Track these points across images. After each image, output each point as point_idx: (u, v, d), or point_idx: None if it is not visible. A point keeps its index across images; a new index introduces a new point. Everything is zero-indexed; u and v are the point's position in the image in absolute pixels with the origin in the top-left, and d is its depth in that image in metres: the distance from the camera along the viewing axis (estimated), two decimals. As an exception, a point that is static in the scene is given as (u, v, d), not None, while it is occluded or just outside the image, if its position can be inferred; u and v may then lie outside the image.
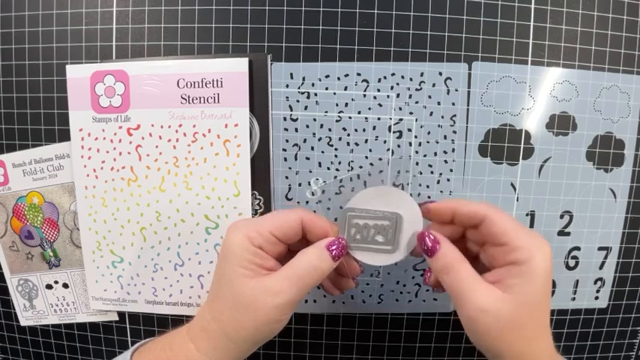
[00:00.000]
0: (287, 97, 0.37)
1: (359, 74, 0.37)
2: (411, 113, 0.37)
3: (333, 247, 0.29)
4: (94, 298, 0.40)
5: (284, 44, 0.36)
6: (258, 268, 0.29)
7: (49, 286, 0.41)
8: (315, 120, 0.37)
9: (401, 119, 0.37)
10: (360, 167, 0.38)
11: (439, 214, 0.31)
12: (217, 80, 0.36)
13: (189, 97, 0.36)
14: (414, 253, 0.31)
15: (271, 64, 0.36)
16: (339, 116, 0.37)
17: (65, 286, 0.41)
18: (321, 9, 0.36)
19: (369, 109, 0.37)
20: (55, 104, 0.38)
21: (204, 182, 0.37)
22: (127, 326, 0.41)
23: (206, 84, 0.36)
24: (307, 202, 0.38)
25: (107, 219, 0.38)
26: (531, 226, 0.39)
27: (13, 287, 0.42)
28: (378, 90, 0.37)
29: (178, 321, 0.40)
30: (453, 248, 0.29)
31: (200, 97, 0.36)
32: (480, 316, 0.27)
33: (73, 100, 0.37)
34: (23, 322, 0.42)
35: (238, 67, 0.36)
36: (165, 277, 0.39)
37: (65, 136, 0.38)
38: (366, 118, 0.37)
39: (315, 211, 0.38)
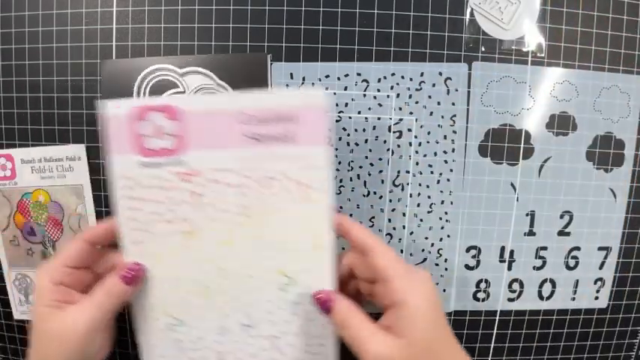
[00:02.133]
0: (287, 98, 0.38)
1: (359, 74, 0.37)
2: (411, 113, 0.38)
3: (123, 272, 0.33)
4: None
5: (284, 44, 0.37)
6: (60, 304, 0.31)
7: None
8: (315, 120, 0.38)
9: (401, 119, 0.38)
10: (360, 167, 0.39)
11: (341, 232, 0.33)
12: (291, 116, 0.31)
13: (258, 135, 0.32)
14: None
15: (271, 63, 0.37)
16: (338, 116, 0.38)
17: None
18: (321, 9, 0.37)
19: (369, 109, 0.38)
20: (55, 104, 0.39)
21: (279, 232, 0.33)
22: (127, 326, 0.42)
23: (278, 121, 0.31)
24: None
25: (162, 278, 0.34)
26: (531, 225, 0.40)
27: (9, 280, 0.43)
28: (378, 90, 0.38)
29: None
30: (347, 303, 0.31)
31: (271, 136, 0.31)
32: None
33: (114, 143, 0.32)
34: (17, 316, 0.43)
35: (314, 100, 0.31)
36: (234, 340, 0.35)
37: (66, 136, 0.39)
38: (366, 118, 0.38)
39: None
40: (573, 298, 0.41)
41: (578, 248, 0.40)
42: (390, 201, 0.39)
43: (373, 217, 0.39)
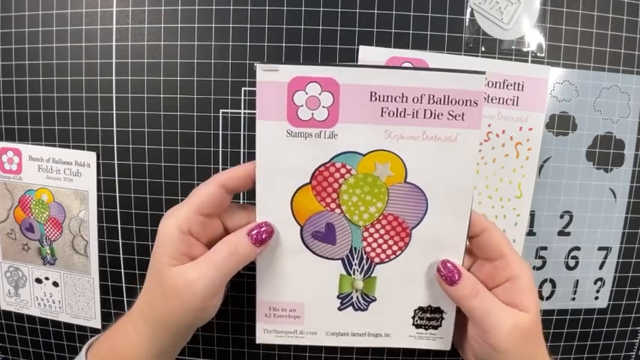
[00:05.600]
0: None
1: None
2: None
3: (254, 232, 0.31)
4: None
5: (284, 44, 0.39)
6: (182, 257, 0.30)
7: (38, 280, 0.44)
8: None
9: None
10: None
11: None
12: (519, 83, 0.38)
13: (488, 96, 0.38)
14: None
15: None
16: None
17: (55, 284, 0.44)
18: (321, 9, 0.38)
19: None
20: (55, 104, 0.40)
21: (488, 182, 0.39)
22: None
23: (507, 86, 0.38)
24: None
25: None
26: (531, 225, 0.41)
27: (1, 272, 0.44)
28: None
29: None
30: (471, 275, 0.33)
31: (500, 98, 0.38)
32: (513, 333, 0.30)
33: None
34: (4, 307, 0.45)
35: (540, 73, 0.39)
36: None
37: (65, 136, 0.41)
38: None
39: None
40: (573, 298, 0.43)
41: (578, 248, 0.42)
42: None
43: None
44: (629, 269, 0.43)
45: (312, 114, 0.31)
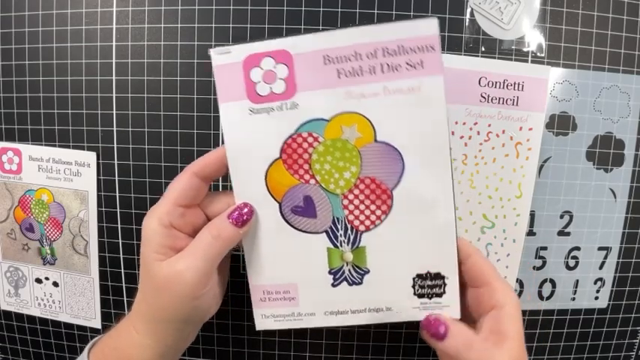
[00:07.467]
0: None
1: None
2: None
3: (235, 214, 0.32)
4: None
5: (284, 44, 0.39)
6: (168, 250, 0.31)
7: (38, 280, 0.44)
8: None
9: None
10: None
11: None
12: (519, 83, 0.39)
13: (488, 96, 0.38)
14: None
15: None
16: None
17: (55, 284, 0.44)
18: (321, 9, 0.38)
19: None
20: (55, 104, 0.41)
21: (489, 182, 0.40)
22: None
23: (507, 86, 0.38)
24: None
25: None
26: (531, 225, 0.42)
27: (1, 272, 0.45)
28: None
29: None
30: (459, 323, 0.32)
31: (500, 98, 0.39)
32: None
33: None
34: (4, 307, 0.45)
35: (540, 73, 0.39)
36: None
37: (65, 136, 0.41)
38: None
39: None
40: (573, 298, 0.43)
41: (578, 248, 0.42)
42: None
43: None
44: (629, 269, 0.43)
45: (271, 88, 0.31)
